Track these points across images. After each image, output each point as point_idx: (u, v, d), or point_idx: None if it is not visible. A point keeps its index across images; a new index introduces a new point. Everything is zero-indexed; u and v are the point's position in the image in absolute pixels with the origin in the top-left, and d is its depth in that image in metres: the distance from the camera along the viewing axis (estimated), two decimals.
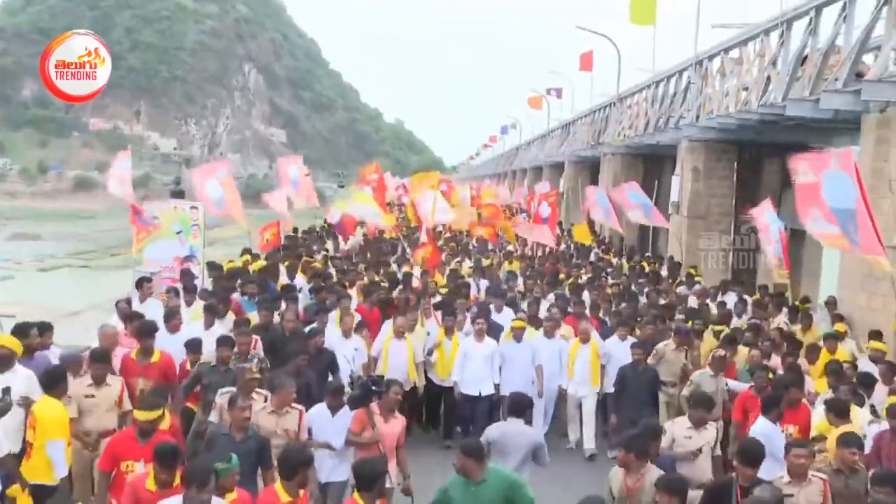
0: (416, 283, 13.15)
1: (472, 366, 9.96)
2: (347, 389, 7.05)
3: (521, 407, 6.99)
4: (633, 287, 14.47)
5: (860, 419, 7.39)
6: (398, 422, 6.96)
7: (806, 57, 14.68)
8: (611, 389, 9.97)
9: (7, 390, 6.44)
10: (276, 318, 10.02)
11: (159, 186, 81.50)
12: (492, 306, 11.58)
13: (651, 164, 27.09)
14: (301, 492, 5.32)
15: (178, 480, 5.18)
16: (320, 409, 7.06)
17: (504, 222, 23.16)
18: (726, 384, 8.93)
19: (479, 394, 9.95)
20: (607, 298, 12.90)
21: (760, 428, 7.00)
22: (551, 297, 12.77)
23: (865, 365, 9.37)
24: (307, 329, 9.48)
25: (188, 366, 8.42)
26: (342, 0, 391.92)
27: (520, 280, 14.85)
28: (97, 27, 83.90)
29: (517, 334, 10.15)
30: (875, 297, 11.68)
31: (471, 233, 22.63)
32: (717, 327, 11.04)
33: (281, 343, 9.21)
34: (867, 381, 8.44)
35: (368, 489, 5.16)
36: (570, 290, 13.67)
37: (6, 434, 6.34)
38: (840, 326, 11.12)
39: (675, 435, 7.08)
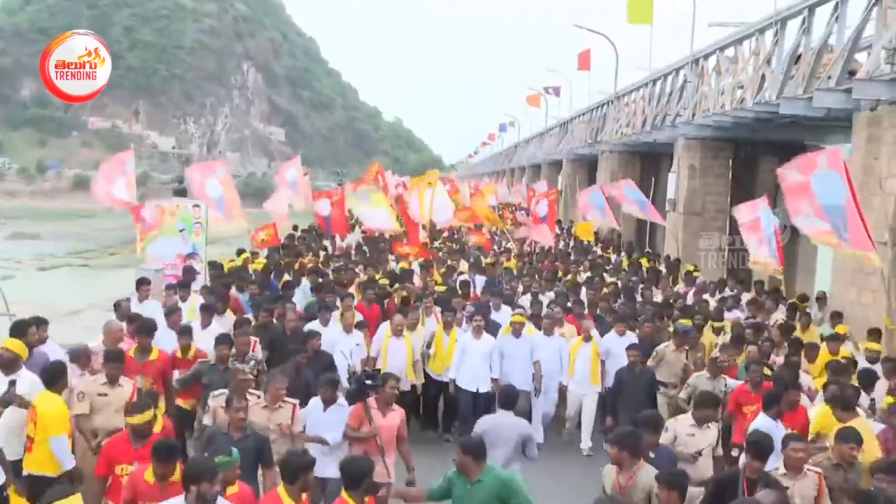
0: (416, 280, 13.22)
1: (469, 361, 9.92)
2: (345, 385, 7.08)
3: (511, 399, 7.08)
4: (630, 284, 14.54)
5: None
6: (396, 414, 6.93)
7: (800, 56, 14.82)
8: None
9: (13, 383, 6.59)
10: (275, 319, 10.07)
11: (157, 185, 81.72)
12: (490, 304, 11.57)
13: (648, 162, 27.19)
14: (304, 496, 5.32)
15: (176, 475, 5.24)
16: (314, 403, 7.13)
17: (490, 214, 22.83)
18: (725, 383, 8.81)
19: (477, 390, 9.91)
20: (605, 297, 12.92)
21: (760, 424, 6.96)
22: (550, 294, 12.81)
23: (863, 365, 9.31)
24: (305, 329, 9.50)
25: (179, 353, 8.51)
26: None
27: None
28: (96, 26, 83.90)
29: (516, 329, 10.10)
30: (865, 292, 11.81)
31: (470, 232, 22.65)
32: (718, 323, 11.03)
33: (281, 342, 9.25)
34: (868, 378, 8.44)
35: (355, 487, 5.17)
36: (568, 287, 13.73)
37: (8, 437, 6.48)
38: (841, 328, 11.05)
39: (677, 432, 7.02)
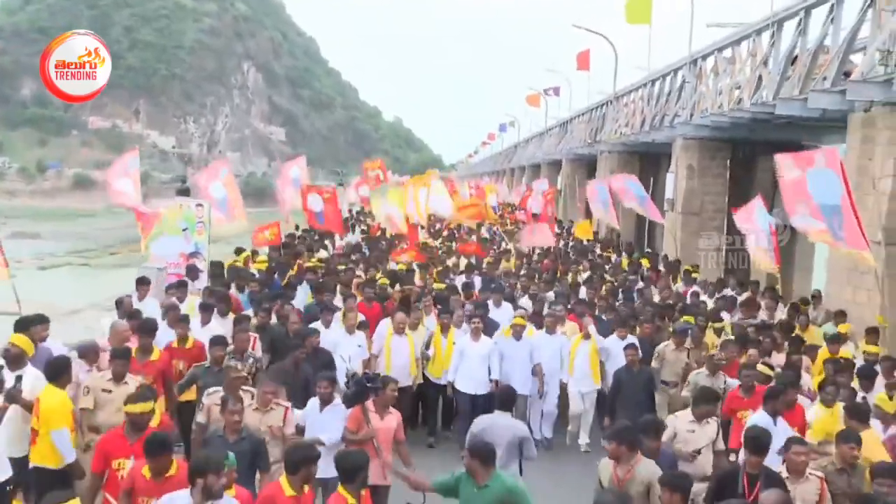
0: (416, 279, 13.27)
1: (468, 363, 9.86)
2: (343, 388, 7.07)
3: (509, 400, 7.10)
4: (627, 283, 14.61)
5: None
6: (393, 417, 6.93)
7: (796, 57, 14.91)
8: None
9: (19, 378, 6.67)
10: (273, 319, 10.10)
11: (158, 185, 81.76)
12: (490, 301, 11.60)
13: (647, 162, 27.26)
14: (306, 487, 5.30)
15: (173, 470, 5.27)
16: (312, 404, 7.12)
17: (490, 213, 22.79)
18: (724, 381, 8.80)
19: (476, 393, 9.83)
20: (603, 296, 12.94)
21: (758, 421, 6.91)
22: (550, 294, 12.83)
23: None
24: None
25: (176, 343, 8.57)
26: None
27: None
28: (96, 26, 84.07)
29: (517, 332, 10.06)
30: (860, 290, 11.90)
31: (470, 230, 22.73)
32: (717, 324, 11.04)
33: (283, 344, 9.22)
34: (867, 375, 8.46)
35: (351, 481, 5.17)
36: (568, 287, 13.77)
37: (12, 435, 6.56)
38: (844, 326, 11.02)
39: (677, 429, 7.03)
